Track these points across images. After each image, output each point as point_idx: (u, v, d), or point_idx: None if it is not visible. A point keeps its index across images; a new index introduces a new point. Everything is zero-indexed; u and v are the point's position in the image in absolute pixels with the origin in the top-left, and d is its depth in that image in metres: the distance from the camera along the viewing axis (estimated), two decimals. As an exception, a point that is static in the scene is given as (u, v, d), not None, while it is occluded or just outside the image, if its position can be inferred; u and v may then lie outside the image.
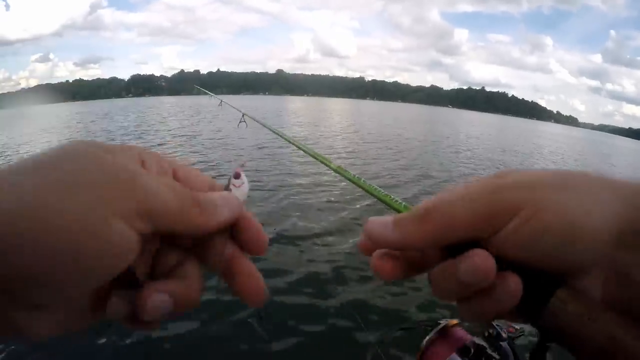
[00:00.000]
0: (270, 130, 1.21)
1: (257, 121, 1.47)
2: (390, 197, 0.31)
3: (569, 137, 55.33)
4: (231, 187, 0.32)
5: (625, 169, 21.05)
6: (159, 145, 13.35)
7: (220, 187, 0.32)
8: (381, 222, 0.29)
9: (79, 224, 0.20)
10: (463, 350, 0.69)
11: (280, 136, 1.13)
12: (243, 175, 0.33)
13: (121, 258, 0.22)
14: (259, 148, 10.95)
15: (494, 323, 0.75)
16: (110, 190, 0.22)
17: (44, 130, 20.84)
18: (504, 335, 0.70)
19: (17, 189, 0.20)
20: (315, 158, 0.74)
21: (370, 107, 79.84)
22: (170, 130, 17.72)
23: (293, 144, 0.93)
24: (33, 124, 27.98)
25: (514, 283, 0.26)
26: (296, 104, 69.31)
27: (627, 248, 0.25)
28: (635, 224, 0.25)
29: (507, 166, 13.77)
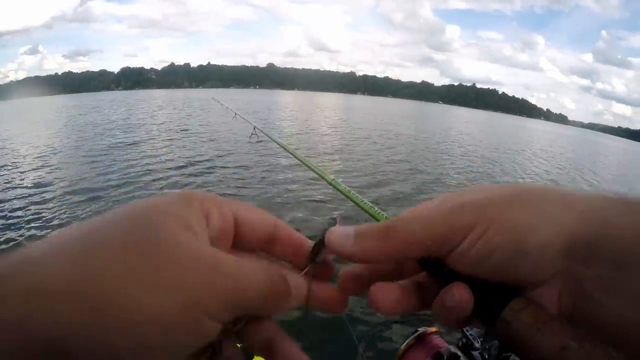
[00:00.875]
0: (279, 144, 1.20)
1: (267, 135, 1.45)
2: (375, 209, 0.31)
3: (560, 135, 56.04)
4: (317, 260, 0.31)
5: (615, 169, 21.36)
6: (149, 139, 13.28)
7: (284, 227, 0.32)
8: (342, 233, 0.30)
9: (166, 320, 0.20)
10: (437, 356, 0.72)
11: (285, 149, 1.12)
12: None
13: (199, 344, 0.23)
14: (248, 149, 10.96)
15: (468, 333, 0.81)
16: (197, 285, 0.22)
17: (33, 123, 20.62)
18: (477, 344, 0.77)
19: (91, 270, 0.20)
20: (313, 170, 0.72)
21: (362, 102, 79.86)
22: (161, 124, 17.66)
23: (296, 157, 0.90)
24: (21, 117, 27.67)
25: (459, 294, 0.28)
26: (288, 98, 69.11)
27: (580, 260, 0.26)
28: (587, 237, 0.26)
29: (500, 164, 13.98)
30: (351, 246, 0.29)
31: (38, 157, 10.64)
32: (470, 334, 0.76)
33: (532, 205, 0.28)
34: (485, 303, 0.28)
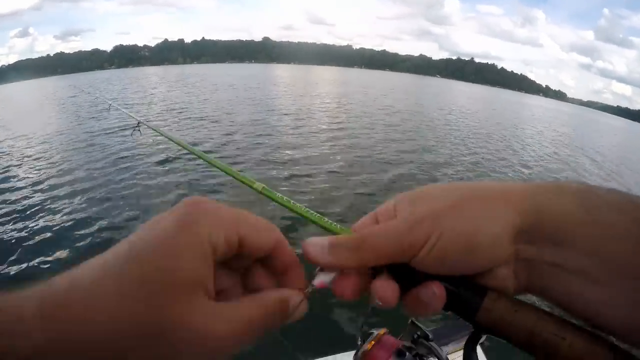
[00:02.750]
0: (175, 142, 0.95)
1: (157, 131, 1.11)
2: (324, 219, 0.36)
3: (561, 112, 55.65)
4: (314, 282, 0.35)
5: (620, 150, 21.15)
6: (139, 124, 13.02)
7: (283, 245, 0.35)
8: (318, 244, 0.35)
9: None
10: (398, 353, 0.79)
11: (189, 150, 0.88)
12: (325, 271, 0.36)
13: None
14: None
15: (422, 325, 0.85)
16: None
17: (25, 109, 20.31)
18: (431, 335, 0.79)
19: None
20: (234, 177, 0.59)
21: (361, 76, 78.52)
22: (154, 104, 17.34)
23: (207, 160, 0.70)
24: (14, 103, 27.26)
25: (438, 290, 0.34)
26: (285, 72, 67.92)
27: (525, 243, 0.32)
28: (526, 224, 0.32)
29: (506, 141, 13.88)
30: (327, 257, 0.34)
31: (27, 147, 10.46)
32: (424, 327, 0.79)
33: (476, 208, 0.33)
34: (461, 297, 0.34)
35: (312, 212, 0.37)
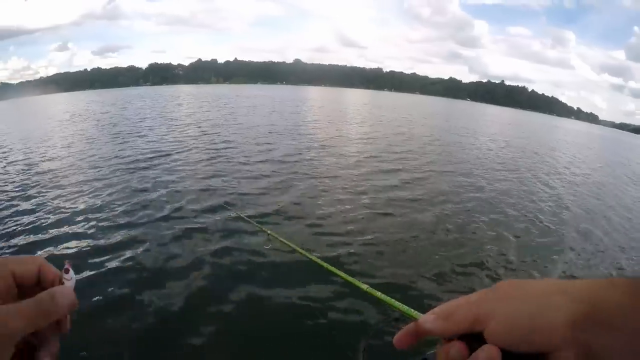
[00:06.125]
0: (295, 249, 1.10)
1: (282, 241, 1.35)
2: (412, 310, 0.45)
3: (603, 137, 53.83)
4: (64, 280, 0.46)
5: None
6: (168, 155, 12.35)
7: (45, 268, 0.48)
8: (429, 318, 0.43)
9: None
10: None
11: (304, 254, 0.95)
12: (72, 270, 0.47)
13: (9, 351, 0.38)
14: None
15: None
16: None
17: (62, 117, 20.22)
18: None
19: None
20: (344, 279, 0.78)
21: (393, 99, 77.35)
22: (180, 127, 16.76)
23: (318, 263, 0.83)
24: (52, 112, 27.55)
25: (458, 349, 0.40)
26: (318, 95, 67.48)
27: (585, 331, 0.35)
28: (581, 313, 0.36)
29: (576, 180, 12.82)
30: (433, 325, 0.43)
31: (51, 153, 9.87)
32: None
33: (537, 296, 0.39)
34: None
35: (399, 303, 0.45)
